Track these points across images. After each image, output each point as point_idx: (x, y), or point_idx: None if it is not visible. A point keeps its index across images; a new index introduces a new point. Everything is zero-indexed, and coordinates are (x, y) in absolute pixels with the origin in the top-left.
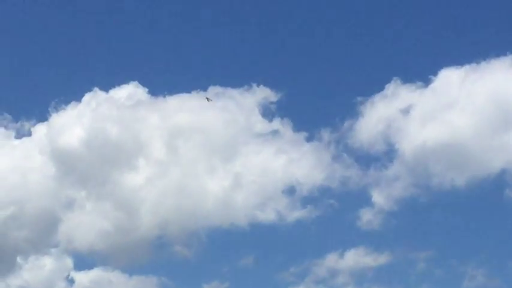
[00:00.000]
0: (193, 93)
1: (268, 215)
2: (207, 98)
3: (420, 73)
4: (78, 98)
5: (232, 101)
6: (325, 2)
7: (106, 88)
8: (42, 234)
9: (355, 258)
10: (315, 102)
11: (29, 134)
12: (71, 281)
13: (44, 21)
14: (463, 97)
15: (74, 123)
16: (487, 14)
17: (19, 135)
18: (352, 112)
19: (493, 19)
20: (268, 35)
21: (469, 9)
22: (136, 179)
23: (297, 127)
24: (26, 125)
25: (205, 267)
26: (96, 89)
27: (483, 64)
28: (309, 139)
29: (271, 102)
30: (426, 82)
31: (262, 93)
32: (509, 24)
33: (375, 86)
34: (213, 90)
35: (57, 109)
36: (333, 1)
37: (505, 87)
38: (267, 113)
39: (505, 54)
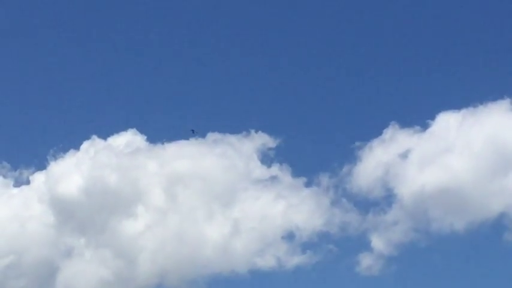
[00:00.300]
0: (192, 140)
1: (268, 262)
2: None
3: (418, 117)
4: (76, 146)
5: (230, 147)
6: (322, 49)
7: (104, 136)
8: (41, 283)
9: None
10: (314, 148)
11: (28, 182)
12: None
13: (41, 69)
14: (461, 141)
15: (73, 171)
16: (483, 58)
17: (18, 183)
18: (350, 157)
19: (490, 62)
20: (265, 82)
21: (465, 53)
22: (135, 227)
23: (296, 173)
24: (25, 173)
25: None
26: (94, 136)
27: (480, 108)
28: (308, 184)
29: (270, 148)
30: (424, 126)
31: (261, 139)
32: (506, 67)
33: (372, 130)
34: (211, 136)
35: (55, 157)
36: (330, 47)
37: (503, 131)
38: (266, 159)
39: (502, 98)
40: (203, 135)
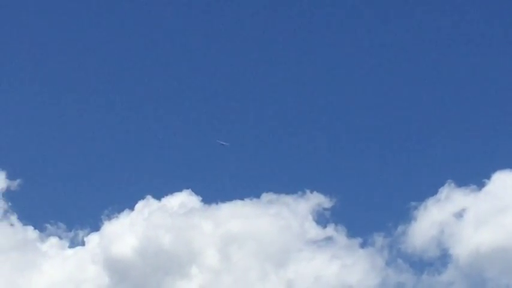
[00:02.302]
0: (247, 200)
1: None
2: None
3: (474, 176)
4: (131, 206)
5: (285, 207)
6: (377, 112)
7: (159, 196)
8: None
9: None
10: (369, 208)
11: (83, 243)
12: None
13: (94, 132)
14: None
15: (127, 232)
16: None
17: (73, 244)
18: (405, 217)
19: None
20: (321, 142)
21: None
22: (189, 287)
23: (351, 233)
24: (80, 233)
25: None
26: (149, 197)
27: None
28: (363, 245)
29: (325, 209)
30: (480, 185)
31: (316, 200)
32: None
33: (428, 189)
34: (266, 197)
35: (109, 217)
36: (385, 110)
37: None
38: (321, 219)
39: None
40: (258, 196)
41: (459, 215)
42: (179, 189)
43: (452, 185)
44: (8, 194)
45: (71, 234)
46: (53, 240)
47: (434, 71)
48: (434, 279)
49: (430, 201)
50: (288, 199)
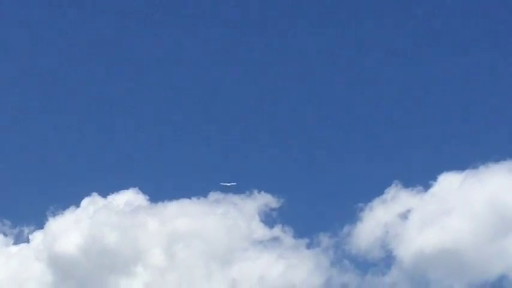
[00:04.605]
0: (194, 199)
1: None
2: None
3: (420, 177)
4: (76, 202)
5: (232, 207)
6: (326, 111)
7: (104, 194)
8: None
9: None
10: (316, 208)
11: (27, 240)
12: None
13: (41, 125)
14: (461, 202)
15: (72, 229)
16: (486, 120)
17: (18, 241)
18: (351, 218)
19: (493, 124)
20: (270, 143)
21: (467, 114)
22: (134, 286)
23: (298, 234)
24: (25, 230)
25: None
26: (94, 194)
27: (482, 168)
28: (309, 245)
29: (272, 209)
30: (426, 187)
31: (263, 200)
32: (508, 129)
33: (374, 190)
34: (213, 196)
35: (54, 214)
36: (333, 107)
37: (504, 192)
38: (268, 219)
39: (504, 159)
40: (205, 195)
41: (404, 216)
42: (125, 187)
43: (399, 185)
44: None
45: (16, 230)
46: None
47: (378, 75)
48: (378, 280)
49: (376, 202)
50: (236, 199)
